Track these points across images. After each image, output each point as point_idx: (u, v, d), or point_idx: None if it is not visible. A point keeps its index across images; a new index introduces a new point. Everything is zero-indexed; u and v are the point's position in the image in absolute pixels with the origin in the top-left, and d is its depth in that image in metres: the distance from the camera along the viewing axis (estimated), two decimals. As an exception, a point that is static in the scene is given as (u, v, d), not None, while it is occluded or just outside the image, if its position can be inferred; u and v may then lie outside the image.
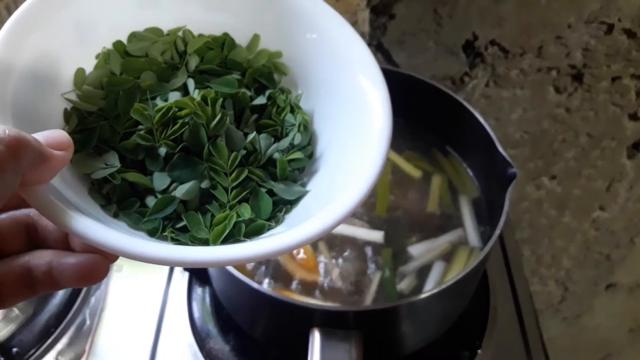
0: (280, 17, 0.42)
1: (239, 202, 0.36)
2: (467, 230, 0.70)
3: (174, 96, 0.38)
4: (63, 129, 0.35)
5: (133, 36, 0.40)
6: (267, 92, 0.41)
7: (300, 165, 0.39)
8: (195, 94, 0.38)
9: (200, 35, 0.42)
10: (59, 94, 0.36)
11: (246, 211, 0.35)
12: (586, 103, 0.96)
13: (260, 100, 0.40)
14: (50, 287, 0.30)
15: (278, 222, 0.36)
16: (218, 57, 0.42)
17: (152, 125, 0.36)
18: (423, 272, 0.65)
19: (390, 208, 0.72)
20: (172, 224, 0.35)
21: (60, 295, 0.74)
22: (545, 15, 0.82)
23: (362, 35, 0.84)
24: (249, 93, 0.40)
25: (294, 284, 0.64)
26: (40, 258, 0.31)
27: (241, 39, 0.43)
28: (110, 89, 0.38)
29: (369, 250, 0.66)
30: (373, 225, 0.69)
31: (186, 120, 0.36)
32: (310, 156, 0.40)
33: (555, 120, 0.99)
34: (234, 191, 0.36)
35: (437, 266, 0.65)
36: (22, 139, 0.26)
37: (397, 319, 0.55)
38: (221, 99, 0.38)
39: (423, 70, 0.89)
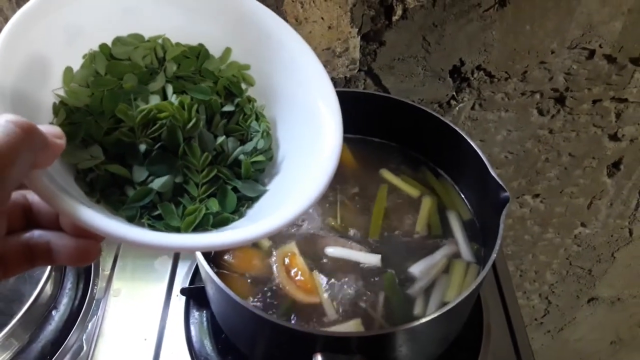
0: (252, 36, 0.47)
1: (208, 197, 0.41)
2: (459, 245, 0.72)
3: (154, 99, 0.42)
4: (52, 122, 0.39)
5: (117, 40, 0.44)
6: (236, 100, 0.46)
7: (261, 166, 0.45)
8: (173, 99, 0.42)
9: (178, 44, 0.46)
10: (50, 90, 0.40)
11: (214, 205, 0.41)
12: (568, 124, 0.99)
13: (229, 107, 0.46)
14: (47, 262, 0.35)
15: (241, 215, 0.41)
16: (193, 65, 0.46)
17: (134, 124, 0.40)
18: (428, 291, 0.67)
19: (383, 230, 0.73)
20: (148, 212, 0.39)
21: (55, 321, 0.74)
22: (529, 41, 0.84)
23: (353, 61, 0.86)
24: (219, 100, 0.45)
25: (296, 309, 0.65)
26: (40, 238, 0.34)
27: (214, 49, 0.47)
28: (96, 88, 0.41)
29: (367, 274, 0.67)
30: (366, 247, 0.71)
31: (165, 122, 0.41)
32: (271, 159, 0.46)
33: (538, 141, 1.02)
34: (204, 187, 0.41)
35: (438, 285, 0.67)
36: (33, 124, 0.29)
37: (399, 343, 0.56)
38: (196, 105, 0.43)
39: (411, 94, 0.92)
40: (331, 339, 0.54)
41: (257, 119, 0.46)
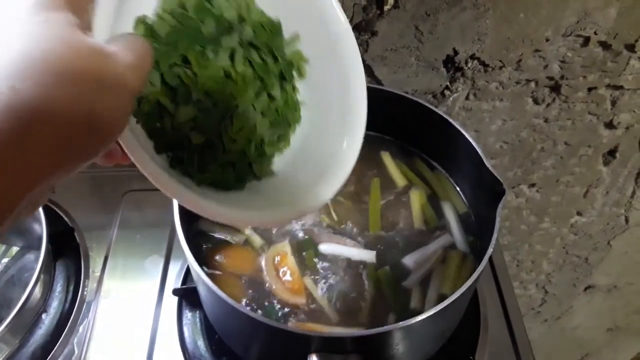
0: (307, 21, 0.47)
1: (225, 164, 0.44)
2: (455, 235, 0.71)
3: (223, 55, 0.43)
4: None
5: None
6: (285, 85, 0.47)
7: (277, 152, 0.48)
8: (240, 64, 0.44)
9: (262, 12, 0.46)
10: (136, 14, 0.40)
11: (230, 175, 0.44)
12: (564, 113, 0.98)
13: (276, 91, 0.47)
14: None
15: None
16: (266, 38, 0.46)
17: (198, 73, 0.41)
18: (424, 283, 0.66)
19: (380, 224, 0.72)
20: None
21: (46, 325, 0.72)
22: (523, 30, 0.83)
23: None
24: (275, 83, 0.46)
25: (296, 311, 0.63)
26: None
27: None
28: (179, 22, 0.41)
29: (362, 270, 0.66)
30: (361, 243, 0.69)
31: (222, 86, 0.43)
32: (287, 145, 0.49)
33: (533, 130, 1.01)
34: (226, 157, 0.44)
35: (434, 277, 0.66)
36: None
37: (396, 341, 0.55)
38: (255, 82, 0.44)
39: (405, 85, 0.90)
40: (326, 339, 0.53)
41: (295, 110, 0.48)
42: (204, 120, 0.42)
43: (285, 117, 0.47)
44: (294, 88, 0.48)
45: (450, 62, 0.88)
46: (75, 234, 0.81)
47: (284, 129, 0.47)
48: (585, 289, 1.43)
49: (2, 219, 0.25)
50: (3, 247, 0.80)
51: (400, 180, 0.76)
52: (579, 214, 1.20)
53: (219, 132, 0.43)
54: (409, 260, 0.68)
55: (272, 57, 0.46)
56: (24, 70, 0.25)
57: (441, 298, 0.63)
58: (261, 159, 0.46)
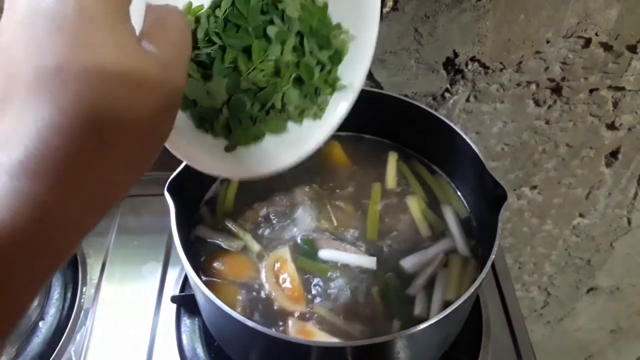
0: None
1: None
2: (456, 240, 0.69)
3: (277, 46, 0.45)
4: None
5: None
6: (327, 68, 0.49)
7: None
8: (288, 53, 0.45)
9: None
10: None
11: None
12: (565, 115, 0.97)
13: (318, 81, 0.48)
14: None
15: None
16: (312, 23, 0.46)
17: (256, 65, 0.44)
18: (427, 289, 0.65)
19: (379, 230, 0.71)
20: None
21: (43, 333, 0.72)
22: (524, 31, 0.82)
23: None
24: (314, 77, 0.48)
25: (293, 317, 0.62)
26: None
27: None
28: (241, 7, 0.43)
29: (363, 276, 0.65)
30: (362, 249, 0.68)
31: (271, 81, 0.45)
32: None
33: (535, 132, 1.00)
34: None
35: (438, 282, 0.65)
36: None
37: (397, 350, 0.54)
38: (293, 75, 0.47)
39: (404, 87, 0.89)
40: (327, 349, 0.52)
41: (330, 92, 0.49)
42: (239, 102, 0.44)
43: (318, 92, 0.48)
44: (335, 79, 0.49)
45: (450, 65, 0.87)
46: (73, 240, 0.80)
47: (313, 103, 0.49)
48: (588, 290, 1.42)
49: (90, 227, 0.29)
50: None
51: (395, 185, 0.75)
52: (581, 215, 1.19)
53: (250, 111, 0.45)
54: (407, 263, 0.66)
55: (318, 46, 0.47)
56: (112, 90, 0.27)
57: (446, 304, 0.62)
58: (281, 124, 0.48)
